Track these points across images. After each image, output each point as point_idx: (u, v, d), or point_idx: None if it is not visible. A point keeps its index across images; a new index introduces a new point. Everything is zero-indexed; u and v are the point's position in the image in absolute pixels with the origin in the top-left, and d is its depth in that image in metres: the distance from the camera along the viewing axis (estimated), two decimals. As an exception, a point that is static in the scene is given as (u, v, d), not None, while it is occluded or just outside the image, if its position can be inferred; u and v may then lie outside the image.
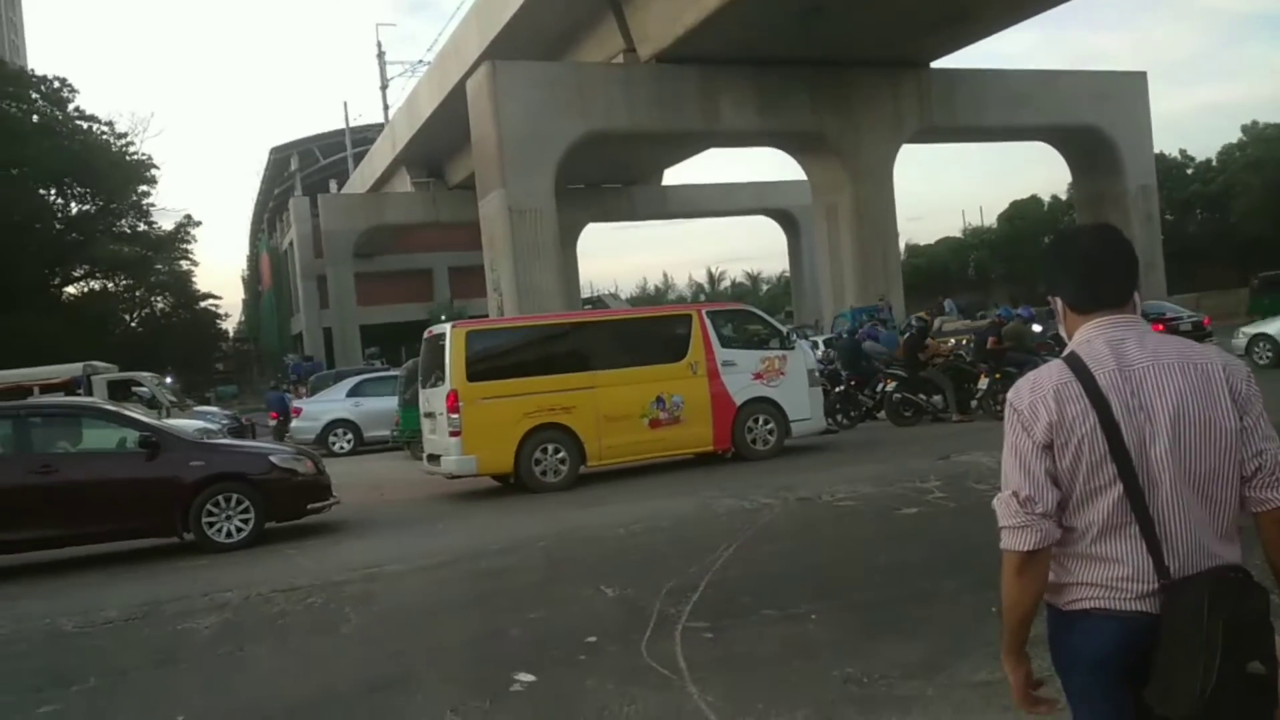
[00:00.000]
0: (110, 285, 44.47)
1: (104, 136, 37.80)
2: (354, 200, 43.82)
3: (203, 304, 52.23)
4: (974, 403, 14.28)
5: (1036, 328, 15.29)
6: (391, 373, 19.88)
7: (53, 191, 37.58)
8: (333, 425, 19.07)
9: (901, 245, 36.42)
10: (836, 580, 6.19)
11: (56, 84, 37.15)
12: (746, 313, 13.82)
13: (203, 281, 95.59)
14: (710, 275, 71.50)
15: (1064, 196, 44.50)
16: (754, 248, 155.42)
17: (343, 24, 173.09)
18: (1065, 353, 1.99)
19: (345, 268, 43.24)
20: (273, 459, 9.37)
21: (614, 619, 5.59)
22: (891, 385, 14.82)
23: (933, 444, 11.83)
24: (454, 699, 4.52)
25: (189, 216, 46.01)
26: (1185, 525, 1.84)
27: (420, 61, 54.69)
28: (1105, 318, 1.96)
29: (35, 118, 35.96)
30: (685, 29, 21.97)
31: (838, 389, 15.49)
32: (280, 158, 52.12)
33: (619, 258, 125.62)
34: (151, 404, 18.19)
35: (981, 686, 4.00)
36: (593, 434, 11.21)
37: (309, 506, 9.35)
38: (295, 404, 20.78)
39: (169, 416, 15.86)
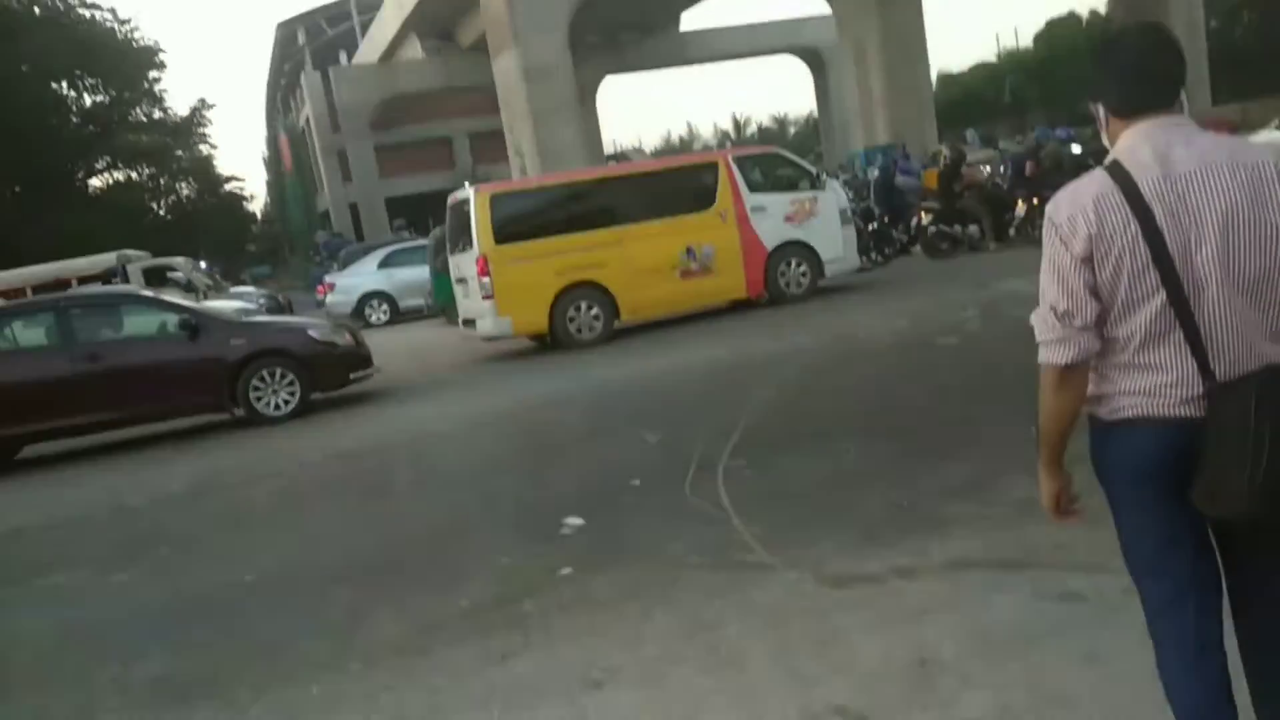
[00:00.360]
0: (134, 175, 44.33)
1: (107, 24, 37.04)
2: (367, 71, 42.77)
3: (228, 187, 52.10)
4: (1011, 230, 14.01)
5: (1076, 149, 14.80)
6: (420, 242, 19.83)
7: (64, 84, 37.12)
8: (368, 297, 19.30)
9: (933, 76, 34.97)
10: (876, 413, 6.23)
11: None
12: (774, 156, 13.45)
13: (225, 166, 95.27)
14: (735, 122, 69.89)
15: (1103, 11, 42.18)
16: (779, 91, 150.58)
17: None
18: (1107, 160, 1.90)
19: (365, 141, 42.68)
20: (311, 333, 9.58)
21: (656, 463, 5.69)
22: (927, 218, 14.53)
23: (970, 275, 11.67)
24: (507, 544, 4.67)
25: (203, 100, 45.47)
26: (1231, 329, 1.79)
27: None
28: (1150, 120, 1.86)
29: (36, 9, 35.16)
30: None
31: (871, 226, 15.22)
32: (287, 33, 50.75)
33: (641, 113, 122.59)
34: (188, 288, 18.35)
35: (1020, 503, 4.04)
36: (625, 289, 11.19)
37: (351, 376, 9.60)
38: (328, 279, 20.90)
39: (206, 299, 16.02)
